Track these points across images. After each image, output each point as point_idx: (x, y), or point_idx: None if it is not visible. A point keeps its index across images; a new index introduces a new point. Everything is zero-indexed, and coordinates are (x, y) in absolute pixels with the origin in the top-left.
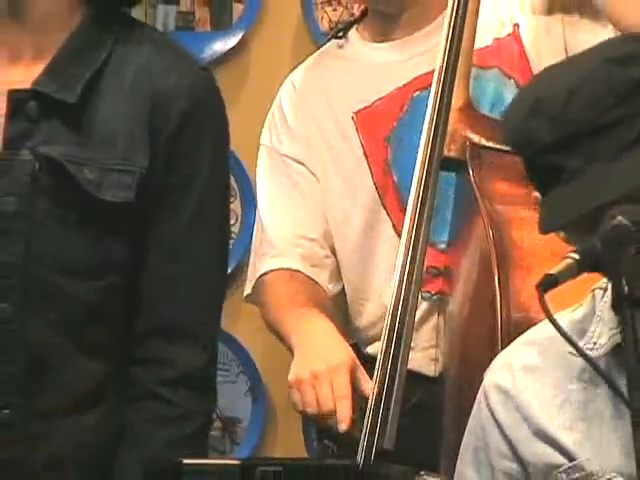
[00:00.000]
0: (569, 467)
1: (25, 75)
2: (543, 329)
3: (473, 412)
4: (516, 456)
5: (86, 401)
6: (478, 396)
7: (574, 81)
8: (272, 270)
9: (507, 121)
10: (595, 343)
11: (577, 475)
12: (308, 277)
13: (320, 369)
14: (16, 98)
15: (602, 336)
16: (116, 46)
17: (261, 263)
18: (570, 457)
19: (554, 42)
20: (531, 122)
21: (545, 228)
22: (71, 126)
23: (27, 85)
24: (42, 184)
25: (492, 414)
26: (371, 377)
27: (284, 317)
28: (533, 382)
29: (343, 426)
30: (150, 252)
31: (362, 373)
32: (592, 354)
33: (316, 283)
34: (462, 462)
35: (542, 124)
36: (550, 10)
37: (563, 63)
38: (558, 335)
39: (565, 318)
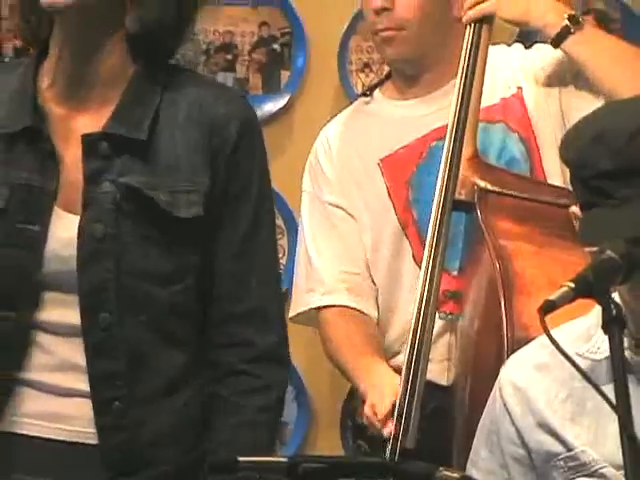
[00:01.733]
0: (566, 456)
1: (92, 122)
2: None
3: (489, 401)
4: (522, 443)
5: (176, 385)
6: (494, 388)
7: (638, 121)
8: (325, 306)
9: (568, 143)
10: (599, 348)
11: (573, 464)
12: (357, 310)
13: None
14: (89, 141)
15: (604, 342)
16: (165, 91)
17: (311, 297)
18: (568, 447)
19: (552, 105)
20: (593, 149)
21: (586, 240)
22: (140, 159)
23: (96, 129)
24: (124, 209)
25: (505, 405)
26: None
27: (348, 361)
28: (542, 379)
29: (387, 430)
30: (219, 254)
31: None
32: (596, 357)
33: (363, 313)
34: (478, 441)
35: (603, 153)
36: (550, 77)
37: (627, 101)
38: (565, 340)
39: (574, 325)
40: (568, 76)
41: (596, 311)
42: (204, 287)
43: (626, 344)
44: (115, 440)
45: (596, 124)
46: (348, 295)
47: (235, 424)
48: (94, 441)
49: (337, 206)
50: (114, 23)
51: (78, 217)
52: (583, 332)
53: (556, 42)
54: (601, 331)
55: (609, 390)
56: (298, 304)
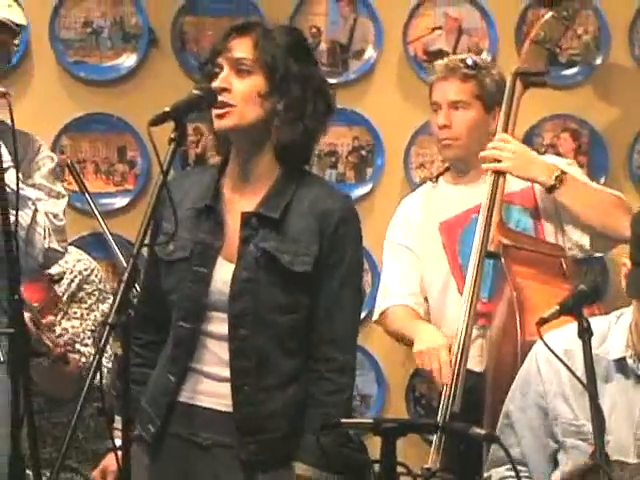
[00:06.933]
0: (571, 423)
1: (248, 204)
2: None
3: (527, 361)
4: (545, 398)
5: (287, 380)
6: (530, 355)
7: None
8: (392, 305)
9: (635, 220)
10: (608, 352)
11: (573, 429)
12: (414, 310)
13: (432, 346)
14: (246, 217)
15: (614, 347)
16: (297, 189)
17: (385, 303)
18: (575, 416)
19: (551, 201)
20: None
21: (632, 295)
22: (275, 232)
23: (250, 209)
24: (261, 263)
25: (539, 370)
26: None
27: (405, 325)
28: (568, 361)
29: (445, 380)
30: (318, 298)
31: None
32: (608, 357)
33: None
34: (515, 386)
35: None
36: None
37: None
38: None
39: (592, 325)
40: None
41: (609, 318)
42: (310, 318)
43: (629, 354)
44: (243, 412)
45: None
46: (409, 302)
47: (319, 414)
48: (226, 409)
49: (408, 248)
50: (264, 141)
51: (233, 265)
52: (597, 333)
53: (549, 192)
54: (611, 337)
55: (617, 381)
56: (378, 309)
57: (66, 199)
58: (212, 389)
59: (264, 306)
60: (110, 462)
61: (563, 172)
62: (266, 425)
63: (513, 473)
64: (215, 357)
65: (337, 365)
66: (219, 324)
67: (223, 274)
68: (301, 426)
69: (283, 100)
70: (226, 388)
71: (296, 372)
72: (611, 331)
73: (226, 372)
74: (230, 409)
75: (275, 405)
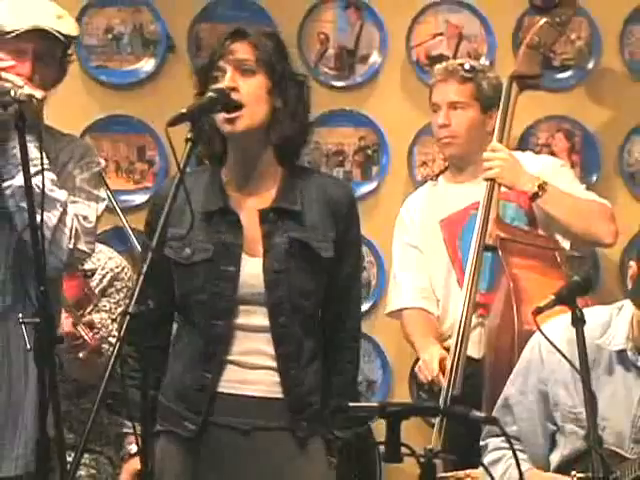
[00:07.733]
0: (569, 410)
1: (259, 201)
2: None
3: (528, 349)
4: (545, 384)
5: (310, 359)
6: (533, 343)
7: None
8: (408, 307)
9: None
10: (610, 342)
11: (571, 416)
12: (426, 310)
13: (429, 360)
14: (263, 212)
15: (615, 339)
16: (302, 183)
17: (399, 300)
18: (574, 403)
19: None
20: None
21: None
22: (294, 222)
23: (264, 206)
24: (292, 253)
25: (541, 358)
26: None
27: (416, 338)
28: (569, 350)
29: (441, 383)
30: (338, 277)
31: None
32: (609, 348)
33: (431, 313)
34: (517, 370)
35: None
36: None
37: None
38: (590, 328)
39: (595, 314)
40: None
41: (610, 309)
42: (326, 297)
43: (630, 346)
44: (292, 393)
45: None
46: (422, 300)
47: (346, 381)
48: (274, 395)
49: (414, 246)
50: (266, 140)
51: (259, 259)
52: (599, 323)
53: (532, 200)
54: (613, 329)
55: (604, 371)
56: (392, 305)
57: (104, 203)
58: (252, 377)
59: (295, 293)
60: (136, 465)
61: (545, 182)
62: (309, 401)
63: (508, 445)
64: (250, 347)
65: (353, 333)
66: (251, 316)
67: (251, 269)
68: (328, 397)
69: (282, 98)
70: (267, 375)
71: (314, 350)
72: (613, 322)
73: (263, 360)
74: (271, 394)
75: (309, 382)
